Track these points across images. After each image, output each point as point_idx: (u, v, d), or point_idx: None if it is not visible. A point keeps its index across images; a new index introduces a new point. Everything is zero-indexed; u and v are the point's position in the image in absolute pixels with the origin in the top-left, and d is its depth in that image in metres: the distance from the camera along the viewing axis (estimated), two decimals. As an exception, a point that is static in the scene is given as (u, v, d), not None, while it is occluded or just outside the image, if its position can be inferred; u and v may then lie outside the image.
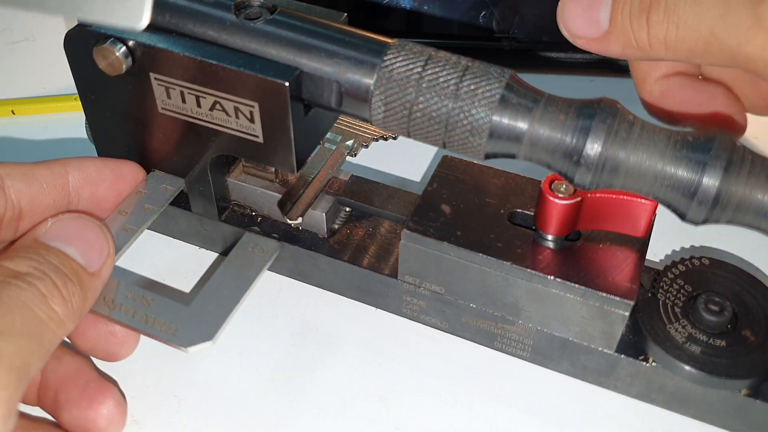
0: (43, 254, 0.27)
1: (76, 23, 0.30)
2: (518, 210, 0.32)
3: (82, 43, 0.31)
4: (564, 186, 0.30)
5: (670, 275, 0.32)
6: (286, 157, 0.31)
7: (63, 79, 0.31)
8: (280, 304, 0.35)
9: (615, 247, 0.31)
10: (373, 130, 0.38)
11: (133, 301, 0.30)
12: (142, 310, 0.29)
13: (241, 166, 0.36)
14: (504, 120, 0.27)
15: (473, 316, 0.33)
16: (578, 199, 0.29)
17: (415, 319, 0.35)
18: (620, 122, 0.26)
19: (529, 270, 0.30)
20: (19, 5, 0.27)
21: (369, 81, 0.28)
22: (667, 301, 0.31)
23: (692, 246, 0.38)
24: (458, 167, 0.34)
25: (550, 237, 0.31)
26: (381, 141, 0.37)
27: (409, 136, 0.29)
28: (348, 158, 0.37)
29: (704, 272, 0.33)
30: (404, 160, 0.43)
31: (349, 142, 0.37)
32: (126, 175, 0.33)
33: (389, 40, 0.29)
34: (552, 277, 0.30)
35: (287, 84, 0.28)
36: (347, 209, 0.36)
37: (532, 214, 0.32)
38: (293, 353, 0.34)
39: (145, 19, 0.26)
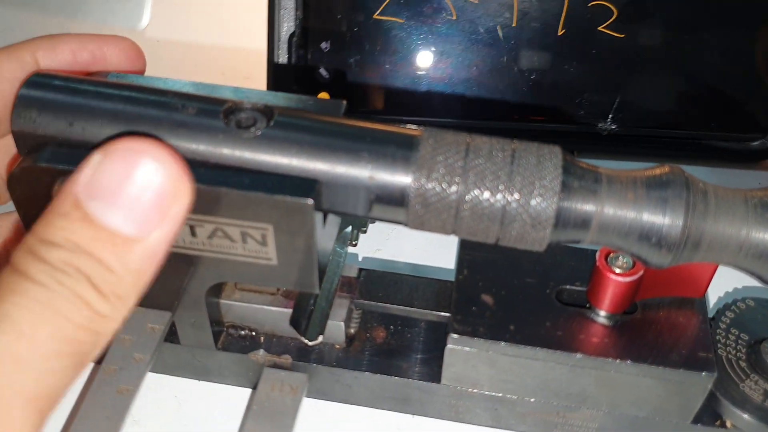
0: (73, 237, 0.21)
1: (75, 22, 0.26)
2: (565, 287, 0.29)
3: (36, 182, 0.25)
4: (621, 259, 0.27)
5: (722, 325, 0.30)
6: (307, 277, 0.26)
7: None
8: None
9: (676, 313, 0.28)
10: (367, 213, 0.33)
11: (156, 486, 0.24)
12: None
13: (233, 284, 0.31)
14: (569, 208, 0.23)
15: (530, 409, 0.29)
16: (641, 273, 0.27)
17: (460, 420, 0.31)
18: (695, 192, 0.23)
19: (600, 359, 0.27)
20: (19, 5, 0.23)
21: (405, 182, 0.24)
22: (729, 356, 0.29)
23: (725, 288, 0.36)
24: (483, 245, 0.31)
25: (609, 314, 0.28)
26: (377, 221, 0.33)
27: (453, 234, 0.25)
28: (349, 248, 0.32)
29: (754, 315, 0.31)
30: (408, 240, 0.39)
31: (348, 230, 0.32)
32: (112, 54, 0.28)
33: (416, 131, 0.25)
34: (626, 362, 0.27)
35: (311, 202, 0.23)
36: (358, 310, 0.32)
37: (581, 289, 0.29)
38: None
39: (145, 20, 0.22)
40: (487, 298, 0.29)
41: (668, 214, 0.23)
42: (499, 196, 0.23)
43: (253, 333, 0.31)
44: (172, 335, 0.30)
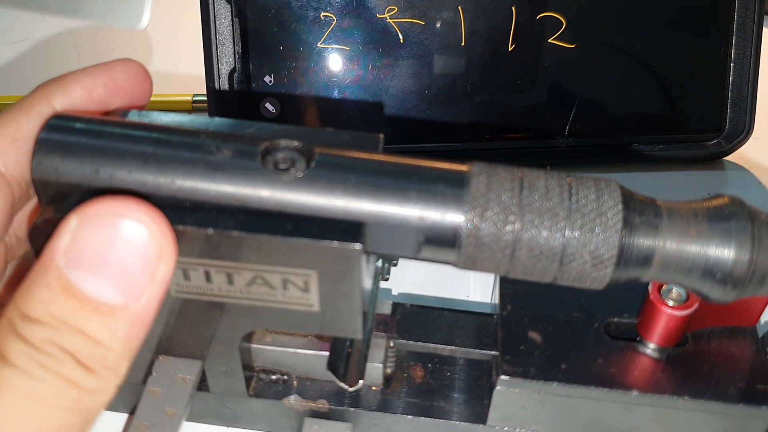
0: (55, 311, 0.20)
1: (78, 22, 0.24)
2: (613, 319, 0.28)
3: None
4: (675, 291, 0.26)
5: (771, 349, 0.29)
6: (351, 323, 0.25)
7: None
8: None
9: (728, 344, 0.28)
10: (397, 245, 0.32)
11: None
12: None
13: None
14: (631, 244, 0.22)
15: (580, 447, 0.28)
16: (696, 306, 0.26)
17: (505, 461, 0.30)
18: (758, 225, 0.23)
19: (656, 395, 0.26)
20: (19, 5, 0.22)
21: (457, 221, 0.23)
22: (782, 384, 0.28)
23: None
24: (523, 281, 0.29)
25: (660, 348, 0.27)
26: (409, 255, 0.32)
27: (506, 275, 0.24)
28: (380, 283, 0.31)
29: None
30: (440, 271, 0.38)
31: (379, 263, 0.31)
32: (123, 81, 0.27)
33: (464, 167, 0.24)
34: (683, 398, 0.26)
35: (359, 247, 0.22)
36: (392, 345, 0.31)
37: (629, 321, 0.28)
38: None
39: (145, 20, 0.21)
40: (534, 335, 0.27)
41: (734, 249, 0.22)
42: (558, 235, 0.22)
43: (286, 377, 0.30)
44: (201, 382, 0.29)
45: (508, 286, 0.29)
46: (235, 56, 0.39)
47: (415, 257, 0.24)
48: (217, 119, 0.26)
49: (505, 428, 0.28)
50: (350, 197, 0.23)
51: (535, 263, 0.23)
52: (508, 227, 0.22)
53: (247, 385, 0.29)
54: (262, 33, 0.40)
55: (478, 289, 0.38)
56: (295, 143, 0.24)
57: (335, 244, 0.22)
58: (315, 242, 0.22)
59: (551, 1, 0.41)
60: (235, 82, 0.39)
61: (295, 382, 0.30)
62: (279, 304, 0.25)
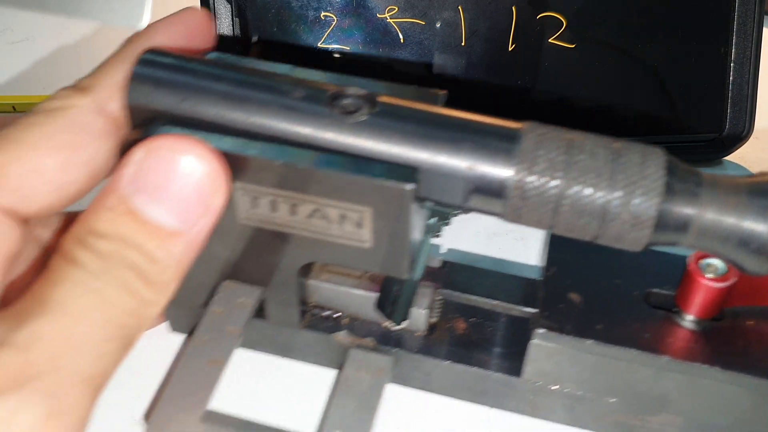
0: (119, 230, 0.22)
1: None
2: (653, 290, 0.29)
3: (148, 154, 0.26)
4: (713, 263, 0.27)
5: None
6: (399, 262, 0.27)
7: (63, 79, 0.29)
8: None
9: (765, 323, 0.28)
10: (453, 205, 0.34)
11: (245, 454, 0.25)
12: (261, 464, 0.25)
13: (321, 265, 0.31)
14: (670, 210, 0.23)
15: (609, 410, 0.29)
16: (734, 280, 0.27)
17: (536, 416, 0.31)
18: None
19: (687, 363, 0.27)
20: (19, 4, 0.24)
21: (506, 174, 0.24)
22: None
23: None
24: (572, 244, 0.30)
25: (697, 319, 0.28)
26: (461, 214, 0.34)
27: (549, 229, 0.25)
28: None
29: None
30: (491, 235, 0.39)
31: (432, 221, 0.33)
32: (196, 27, 0.29)
33: (516, 124, 0.25)
34: (715, 368, 0.26)
35: (410, 187, 0.24)
36: (439, 299, 0.32)
37: (669, 293, 0.29)
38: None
39: (145, 20, 0.23)
40: (574, 297, 0.29)
41: (769, 221, 0.23)
42: (600, 193, 0.24)
43: (337, 314, 0.32)
44: (258, 311, 0.31)
45: (554, 251, 0.30)
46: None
47: (463, 206, 0.26)
48: (287, 66, 0.28)
49: (539, 383, 0.29)
50: (407, 143, 0.25)
51: (577, 219, 0.24)
52: (554, 182, 0.24)
53: (301, 318, 0.31)
54: (262, 32, 0.39)
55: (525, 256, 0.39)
56: (361, 91, 0.26)
57: (390, 182, 0.24)
58: (372, 180, 0.24)
59: (552, 1, 0.41)
60: None
61: (345, 320, 0.32)
62: (335, 238, 0.27)
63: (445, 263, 0.32)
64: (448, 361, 0.30)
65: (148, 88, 0.26)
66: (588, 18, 0.42)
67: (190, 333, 0.34)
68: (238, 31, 0.39)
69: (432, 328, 0.31)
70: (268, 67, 0.27)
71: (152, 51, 0.27)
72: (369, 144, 0.25)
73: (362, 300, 0.31)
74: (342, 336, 0.31)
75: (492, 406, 0.31)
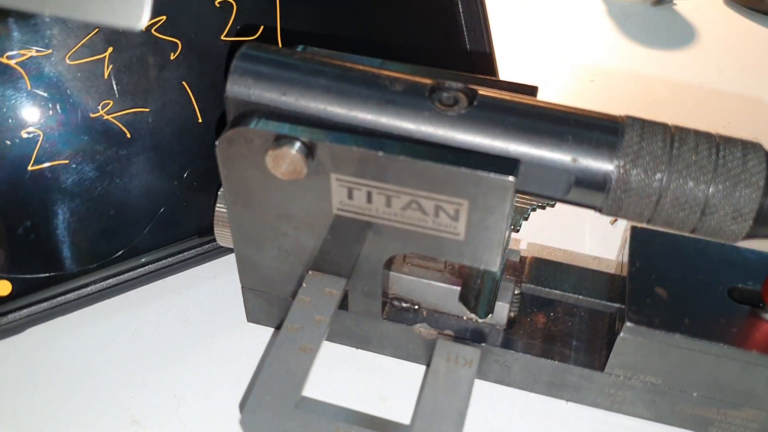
0: None
1: None
2: (738, 285, 0.29)
3: (244, 144, 0.26)
4: (804, 260, 0.27)
5: None
6: (490, 255, 0.27)
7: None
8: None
9: None
10: (528, 199, 0.34)
11: (342, 440, 0.25)
12: (360, 451, 0.25)
13: (403, 257, 0.32)
14: (773, 203, 0.24)
15: (691, 404, 0.30)
16: (827, 275, 0.27)
17: (614, 410, 0.31)
18: None
19: (778, 357, 0.27)
20: (19, 5, 0.24)
21: (608, 168, 0.24)
22: None
23: None
24: (654, 240, 0.31)
25: (784, 315, 0.28)
26: (539, 210, 0.34)
27: (647, 222, 0.25)
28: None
29: None
30: (568, 230, 0.40)
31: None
32: None
33: (617, 117, 0.25)
34: (805, 364, 0.27)
35: (512, 179, 0.24)
36: (516, 292, 0.33)
37: (754, 289, 0.29)
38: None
39: (145, 19, 0.24)
40: (660, 291, 0.29)
41: None
42: (702, 187, 0.24)
43: (416, 307, 0.32)
44: (342, 303, 0.32)
45: (637, 246, 0.31)
46: None
47: (563, 198, 0.26)
48: (378, 60, 0.28)
49: (621, 376, 0.30)
50: (508, 135, 0.25)
51: (678, 212, 0.24)
52: (657, 175, 0.24)
53: (381, 310, 0.32)
54: None
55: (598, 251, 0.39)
56: (460, 84, 0.26)
57: (491, 174, 0.24)
58: (472, 172, 0.24)
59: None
60: None
61: (424, 312, 0.32)
62: (428, 230, 0.27)
63: (524, 258, 0.33)
64: (529, 354, 0.30)
65: (248, 81, 0.27)
66: None
67: (278, 327, 0.34)
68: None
69: (512, 322, 0.32)
70: (362, 62, 0.28)
71: (251, 45, 0.27)
72: (470, 137, 0.25)
73: (446, 293, 0.31)
74: (422, 328, 0.31)
75: (569, 400, 0.32)
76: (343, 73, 0.27)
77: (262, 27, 0.35)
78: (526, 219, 0.33)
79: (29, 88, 0.31)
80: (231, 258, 0.35)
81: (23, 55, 0.31)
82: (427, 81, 0.26)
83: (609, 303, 0.30)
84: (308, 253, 0.30)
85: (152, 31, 0.33)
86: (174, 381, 0.32)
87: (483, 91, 0.26)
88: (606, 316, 0.31)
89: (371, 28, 0.38)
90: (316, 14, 0.37)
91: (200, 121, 0.35)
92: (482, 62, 0.39)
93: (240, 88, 0.27)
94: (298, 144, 0.26)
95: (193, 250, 0.36)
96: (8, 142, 0.31)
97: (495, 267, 0.27)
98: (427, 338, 0.31)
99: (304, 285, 0.30)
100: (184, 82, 0.34)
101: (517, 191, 0.26)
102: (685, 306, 0.28)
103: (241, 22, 0.35)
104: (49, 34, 0.31)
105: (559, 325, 0.32)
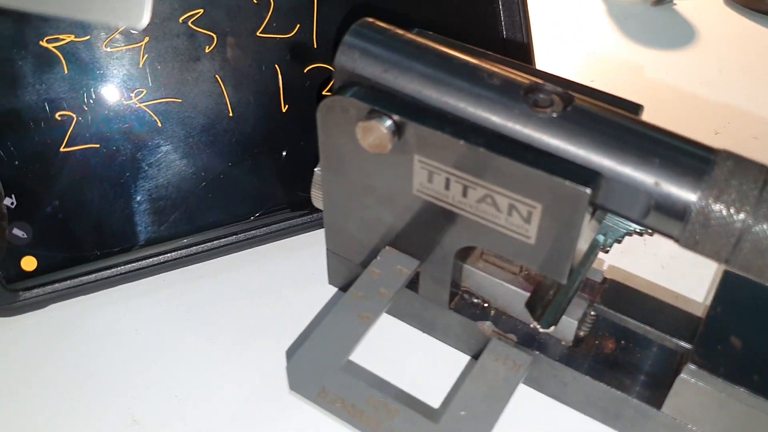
0: None
1: None
2: (826, 352, 0.27)
3: (341, 113, 0.28)
4: None
5: None
6: (559, 265, 0.27)
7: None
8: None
9: None
10: (626, 224, 0.33)
11: (374, 409, 0.26)
12: (387, 422, 0.26)
13: (480, 252, 0.32)
14: None
15: (750, 467, 0.28)
16: None
17: (667, 454, 0.30)
18: None
19: None
20: (19, 5, 0.25)
21: (690, 198, 0.23)
22: None
23: None
24: (744, 288, 0.29)
25: None
26: (635, 236, 0.33)
27: (725, 263, 0.24)
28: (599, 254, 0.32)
29: None
30: (662, 262, 0.38)
31: (601, 237, 0.32)
32: None
33: (713, 148, 0.24)
34: None
35: (589, 191, 0.24)
36: (592, 314, 0.32)
37: None
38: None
39: (145, 19, 0.24)
40: (735, 341, 0.27)
41: None
42: (789, 237, 0.22)
43: (485, 304, 0.32)
44: (412, 283, 0.32)
45: (724, 292, 0.29)
46: None
47: (640, 221, 0.25)
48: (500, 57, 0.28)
49: (677, 419, 0.28)
50: (594, 146, 0.24)
51: (758, 258, 0.23)
52: (740, 215, 0.23)
53: (450, 299, 0.32)
54: None
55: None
56: (558, 88, 0.26)
57: (567, 183, 0.24)
58: (550, 177, 0.24)
59: (317, 52, 0.37)
60: None
61: (492, 311, 0.32)
62: (499, 227, 0.27)
63: (605, 279, 0.32)
64: (589, 377, 0.30)
65: (355, 55, 0.28)
66: None
67: (343, 289, 0.36)
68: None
69: (579, 340, 0.31)
70: (471, 52, 0.28)
71: (364, 23, 0.29)
72: (555, 141, 0.25)
73: (514, 295, 0.31)
74: (486, 326, 0.31)
75: (618, 429, 0.31)
76: (443, 59, 0.27)
77: (298, 25, 0.36)
78: (619, 242, 0.32)
79: (66, 72, 0.33)
80: (233, 257, 0.37)
81: (62, 40, 0.32)
82: (526, 79, 0.26)
83: (681, 342, 0.29)
84: (386, 229, 0.31)
85: (189, 23, 0.34)
86: (174, 381, 0.32)
87: (581, 98, 0.26)
88: (678, 355, 0.30)
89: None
90: (353, 12, 0.37)
91: (231, 114, 0.36)
92: (518, 52, 0.38)
93: (347, 60, 0.28)
94: (388, 121, 0.27)
95: (211, 243, 0.37)
96: (42, 124, 0.33)
97: (562, 278, 0.27)
98: (489, 336, 0.31)
99: (377, 258, 0.31)
100: (217, 76, 0.35)
101: (594, 205, 0.25)
102: (758, 361, 0.26)
103: (277, 19, 0.36)
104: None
105: (627, 354, 0.31)
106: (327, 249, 0.35)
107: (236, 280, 0.37)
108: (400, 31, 0.29)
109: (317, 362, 0.27)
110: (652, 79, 0.52)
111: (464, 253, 0.31)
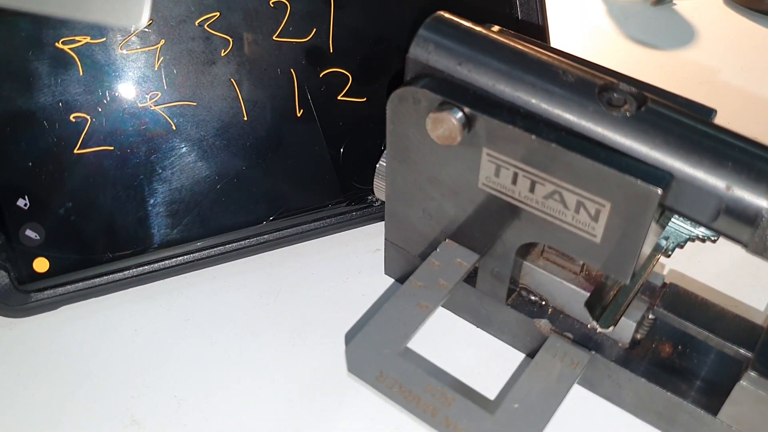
0: None
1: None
2: None
3: (412, 103, 0.28)
4: None
5: None
6: (623, 265, 0.27)
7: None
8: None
9: None
10: (689, 229, 0.33)
11: (431, 396, 0.27)
12: (443, 410, 0.26)
13: (540, 250, 0.32)
14: None
15: (807, 483, 0.27)
16: None
17: (720, 462, 0.30)
18: None
19: None
20: (19, 5, 0.25)
21: (762, 203, 0.23)
22: None
23: None
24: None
25: None
26: (698, 242, 0.33)
27: (795, 272, 0.24)
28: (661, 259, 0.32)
29: None
30: (725, 270, 0.38)
31: (663, 241, 0.32)
32: None
33: (790, 155, 0.24)
34: None
35: (659, 191, 0.24)
36: (651, 317, 0.32)
37: None
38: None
39: (144, 19, 0.23)
40: (800, 351, 0.27)
41: None
42: None
43: (543, 302, 0.32)
44: (470, 277, 0.33)
45: (790, 300, 0.29)
46: None
47: (709, 225, 0.25)
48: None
49: (733, 427, 0.28)
50: (667, 147, 0.25)
51: (830, 268, 0.23)
52: (815, 223, 0.22)
53: (507, 296, 0.32)
54: (2, 150, 0.33)
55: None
56: (632, 88, 0.26)
57: (639, 182, 0.24)
58: (621, 175, 0.24)
59: (332, 57, 0.37)
60: None
61: (549, 310, 0.32)
62: (566, 224, 0.27)
63: (666, 284, 0.31)
64: (644, 379, 0.30)
65: (429, 47, 0.28)
66: (371, 70, 0.37)
67: (401, 281, 0.36)
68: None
69: (636, 343, 0.31)
70: (539, 46, 0.28)
71: (439, 16, 0.29)
72: (628, 140, 0.25)
73: (573, 295, 0.31)
74: (543, 323, 0.31)
75: (673, 436, 0.30)
76: (517, 55, 0.27)
77: (314, 30, 0.36)
78: (681, 247, 0.32)
79: (81, 74, 0.33)
80: (234, 264, 0.37)
81: (78, 41, 0.32)
82: (600, 78, 0.26)
83: (742, 350, 0.28)
84: (448, 221, 0.31)
85: (205, 26, 0.34)
86: (174, 381, 0.32)
87: (654, 99, 0.26)
88: (738, 363, 0.30)
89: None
90: (369, 17, 0.37)
91: (245, 119, 0.36)
92: (533, 34, 0.37)
93: (421, 52, 0.28)
94: (459, 113, 0.27)
95: (224, 246, 0.37)
96: (57, 125, 0.33)
97: (626, 278, 0.27)
98: (545, 334, 0.32)
99: (437, 250, 0.32)
100: (232, 79, 0.35)
101: (665, 207, 0.25)
102: (823, 374, 0.26)
103: (293, 24, 0.35)
104: (104, 22, 0.33)
105: (684, 359, 0.30)
106: (385, 239, 0.35)
107: (253, 281, 0.37)
108: (473, 26, 0.29)
109: (376, 347, 0.28)
110: (651, 79, 0.51)
111: (525, 250, 0.31)
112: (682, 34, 0.58)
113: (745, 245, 0.24)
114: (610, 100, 0.26)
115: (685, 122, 0.25)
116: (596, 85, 0.26)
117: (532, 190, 0.27)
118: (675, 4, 0.62)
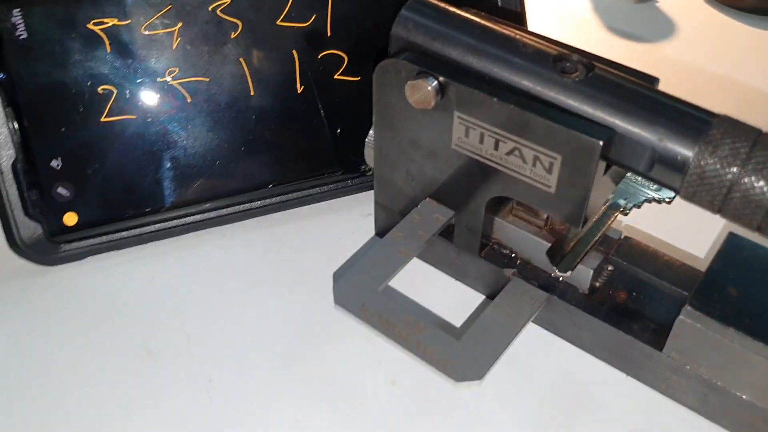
0: None
1: None
2: (815, 304, 0.30)
3: (394, 74, 0.32)
4: None
5: None
6: (575, 212, 0.30)
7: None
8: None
9: None
10: (646, 191, 0.36)
11: (406, 324, 0.31)
12: (415, 336, 0.30)
13: (510, 208, 0.36)
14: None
15: (740, 407, 0.31)
16: None
17: (668, 395, 0.33)
18: None
19: (827, 375, 0.28)
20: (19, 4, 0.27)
21: (689, 153, 0.27)
22: None
23: None
24: (745, 248, 0.32)
25: None
26: (654, 203, 0.36)
27: (717, 212, 0.28)
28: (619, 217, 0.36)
29: None
30: (677, 228, 0.41)
31: (622, 201, 0.36)
32: None
33: (713, 113, 0.28)
34: None
35: (601, 143, 0.28)
36: (609, 268, 0.35)
37: (832, 312, 0.30)
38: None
39: None
40: (732, 290, 0.30)
41: None
42: (771, 188, 0.26)
43: (513, 254, 0.36)
44: (447, 235, 0.36)
45: (727, 250, 0.32)
46: (14, 145, 0.37)
47: (645, 174, 0.29)
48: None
49: (677, 360, 0.31)
50: (609, 107, 0.28)
51: (745, 208, 0.26)
52: (732, 169, 0.26)
53: (480, 249, 0.36)
54: (39, 118, 0.37)
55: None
56: (583, 58, 0.30)
57: (583, 136, 0.28)
58: (568, 131, 0.28)
59: (330, 40, 0.41)
60: (19, 172, 0.37)
61: (518, 261, 0.36)
62: (525, 177, 0.31)
63: (624, 238, 0.35)
64: (599, 320, 0.33)
65: (409, 25, 0.32)
66: (367, 50, 0.41)
67: (381, 234, 0.40)
68: (12, 121, 0.37)
69: (595, 290, 0.35)
70: (504, 24, 0.32)
71: (418, 0, 0.33)
72: (576, 102, 0.29)
73: (538, 246, 0.35)
74: (512, 273, 0.35)
75: (629, 374, 0.34)
76: (484, 31, 0.31)
77: (314, 15, 0.40)
78: (638, 207, 0.36)
79: (108, 51, 0.37)
80: (240, 225, 0.41)
81: (106, 23, 0.37)
82: (555, 50, 0.30)
83: (686, 292, 0.32)
84: (428, 181, 0.35)
85: (217, 11, 0.39)
86: (184, 320, 0.37)
87: (601, 67, 0.30)
88: (683, 305, 0.33)
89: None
90: (365, 3, 0.41)
91: (252, 94, 0.40)
92: (511, 20, 0.41)
93: (402, 30, 0.32)
94: (434, 81, 0.31)
95: (230, 208, 0.41)
96: (87, 96, 0.37)
97: (578, 224, 0.31)
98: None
99: (418, 207, 0.36)
100: (241, 59, 0.40)
101: (607, 159, 0.29)
102: (750, 308, 0.30)
103: (295, 10, 0.40)
104: (129, 6, 0.37)
105: (637, 303, 0.34)
106: (375, 201, 0.39)
107: (256, 240, 0.41)
108: (447, 6, 0.33)
109: (361, 284, 0.32)
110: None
111: (495, 207, 0.35)
112: (663, 30, 0.62)
113: (677, 191, 0.28)
114: (563, 69, 0.30)
115: (626, 86, 0.29)
116: (551, 56, 0.30)
117: (496, 147, 0.31)
118: (657, 1, 0.65)
